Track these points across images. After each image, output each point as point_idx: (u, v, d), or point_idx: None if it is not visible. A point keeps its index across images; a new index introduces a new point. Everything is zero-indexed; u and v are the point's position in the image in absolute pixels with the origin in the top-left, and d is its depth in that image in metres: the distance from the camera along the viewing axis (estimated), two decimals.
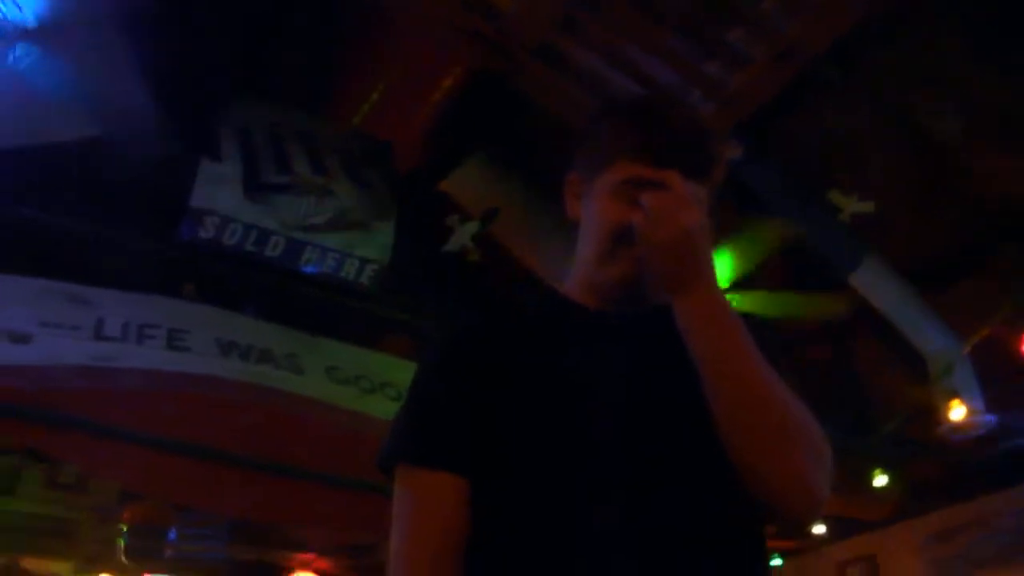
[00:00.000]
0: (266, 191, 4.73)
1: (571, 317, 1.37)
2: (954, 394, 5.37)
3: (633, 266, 1.30)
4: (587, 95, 3.97)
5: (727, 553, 1.22)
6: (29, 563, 6.11)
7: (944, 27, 4.34)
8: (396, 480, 1.29)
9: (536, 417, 1.25)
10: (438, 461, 1.26)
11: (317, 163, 5.00)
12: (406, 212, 5.17)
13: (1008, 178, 4.98)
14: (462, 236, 5.13)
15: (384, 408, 4.36)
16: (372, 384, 4.58)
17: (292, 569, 7.63)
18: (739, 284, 5.08)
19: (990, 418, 5.43)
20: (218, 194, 4.60)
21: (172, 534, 5.84)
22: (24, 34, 3.96)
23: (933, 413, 5.50)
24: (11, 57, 3.99)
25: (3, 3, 3.90)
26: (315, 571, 7.49)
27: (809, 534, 7.56)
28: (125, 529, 5.81)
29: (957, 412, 5.39)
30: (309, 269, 4.76)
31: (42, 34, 3.98)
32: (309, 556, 7.25)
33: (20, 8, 3.94)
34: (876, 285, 5.41)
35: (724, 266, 4.94)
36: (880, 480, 6.08)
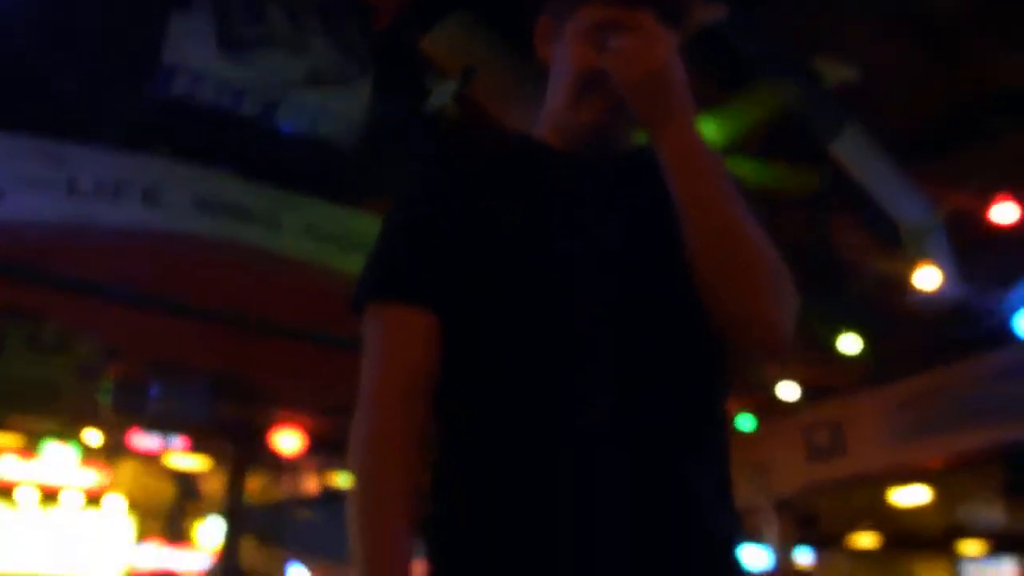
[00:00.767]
0: (240, 46, 4.61)
1: (543, 158, 1.37)
2: (926, 262, 5.45)
3: (603, 111, 1.31)
4: None
5: (695, 398, 1.26)
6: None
7: None
8: (366, 317, 1.30)
9: (510, 254, 1.26)
10: (406, 295, 1.27)
11: (293, 17, 4.86)
12: (384, 71, 5.07)
13: (994, 55, 4.93)
14: (441, 95, 5.05)
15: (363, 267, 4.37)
16: (350, 243, 4.58)
17: (274, 427, 7.80)
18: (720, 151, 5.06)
19: (957, 287, 5.52)
20: (191, 49, 4.48)
21: (154, 390, 5.93)
22: None
23: (904, 282, 5.59)
24: None
25: None
26: (298, 427, 7.66)
27: (778, 398, 7.76)
28: (109, 385, 5.88)
29: (927, 279, 5.49)
30: (286, 127, 4.69)
31: None
32: (291, 413, 7.39)
33: None
34: (856, 154, 5.41)
35: (707, 133, 4.90)
36: (847, 342, 6.21)
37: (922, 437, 7.50)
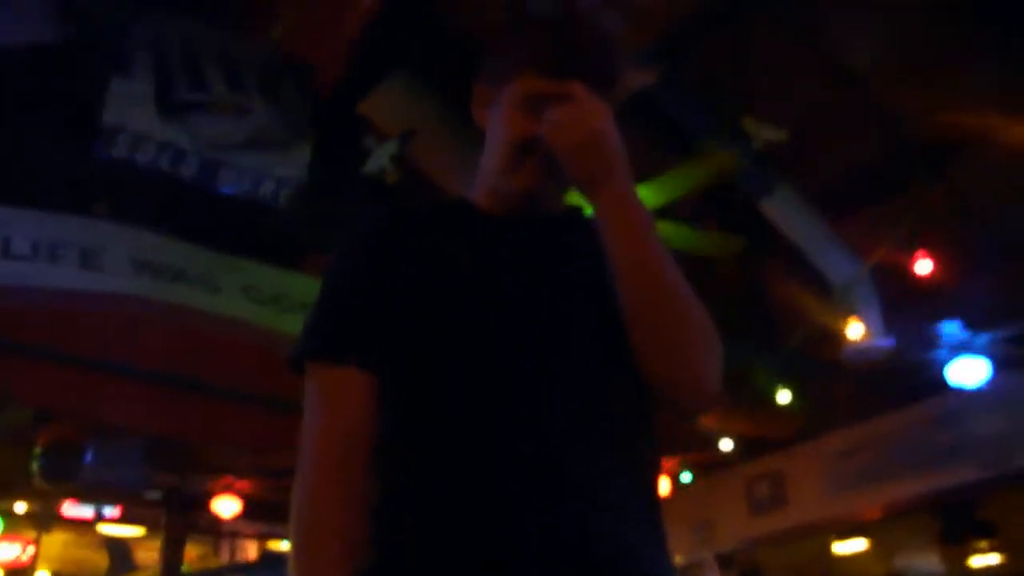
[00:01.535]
0: (180, 109, 4.63)
1: (476, 219, 1.42)
2: (855, 315, 5.60)
3: (537, 177, 1.36)
4: (499, 9, 3.96)
5: (626, 443, 1.29)
6: None
7: None
8: (305, 377, 1.32)
9: (444, 313, 1.29)
10: (344, 355, 1.29)
11: (233, 81, 4.89)
12: (324, 133, 5.11)
13: (915, 108, 5.14)
14: (380, 157, 5.11)
15: (302, 328, 4.36)
16: (290, 303, 4.58)
17: (212, 494, 7.64)
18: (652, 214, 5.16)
19: (887, 339, 5.68)
20: (130, 111, 4.49)
21: (88, 457, 5.79)
22: None
23: (836, 334, 5.72)
24: None
25: None
26: (236, 494, 7.51)
27: (718, 452, 7.84)
28: (39, 452, 5.73)
29: (856, 332, 5.63)
30: (225, 189, 4.70)
31: None
32: (229, 479, 7.25)
33: None
34: (786, 212, 5.57)
35: (643, 197, 4.99)
36: (784, 397, 6.32)
37: (860, 487, 7.61)
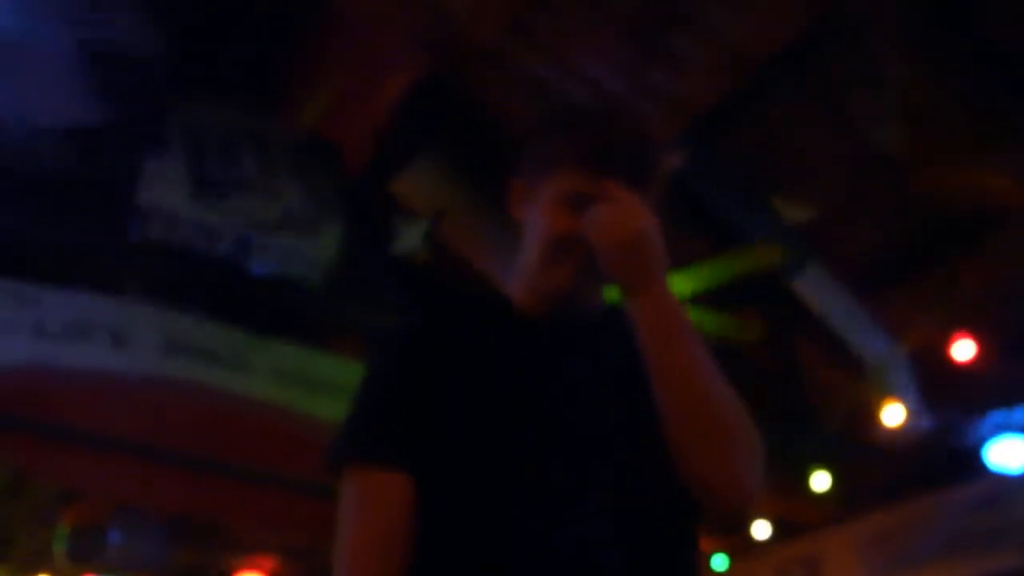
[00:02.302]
0: (214, 190, 4.69)
1: (515, 320, 1.40)
2: (891, 397, 5.50)
3: (574, 274, 1.35)
4: (534, 99, 4.02)
5: (666, 551, 1.27)
6: None
7: (883, 34, 4.45)
8: (344, 480, 1.30)
9: (482, 419, 1.27)
10: (385, 460, 1.28)
11: (265, 162, 4.97)
12: (355, 213, 5.16)
13: (945, 185, 5.11)
14: (411, 237, 5.14)
15: (331, 409, 4.35)
16: (320, 384, 4.57)
17: (236, 571, 7.56)
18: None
19: (925, 420, 5.57)
20: (165, 192, 4.56)
21: (114, 535, 5.74)
22: None
23: (871, 416, 5.62)
24: None
25: None
26: (259, 570, 7.42)
27: (751, 536, 7.67)
28: (65, 531, 5.70)
29: (893, 414, 5.53)
30: (257, 269, 4.73)
31: None
32: (254, 558, 7.18)
33: None
34: (817, 291, 5.53)
35: (678, 286, 4.95)
36: (819, 480, 6.19)
37: (897, 571, 7.40)
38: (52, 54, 4.46)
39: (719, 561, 8.34)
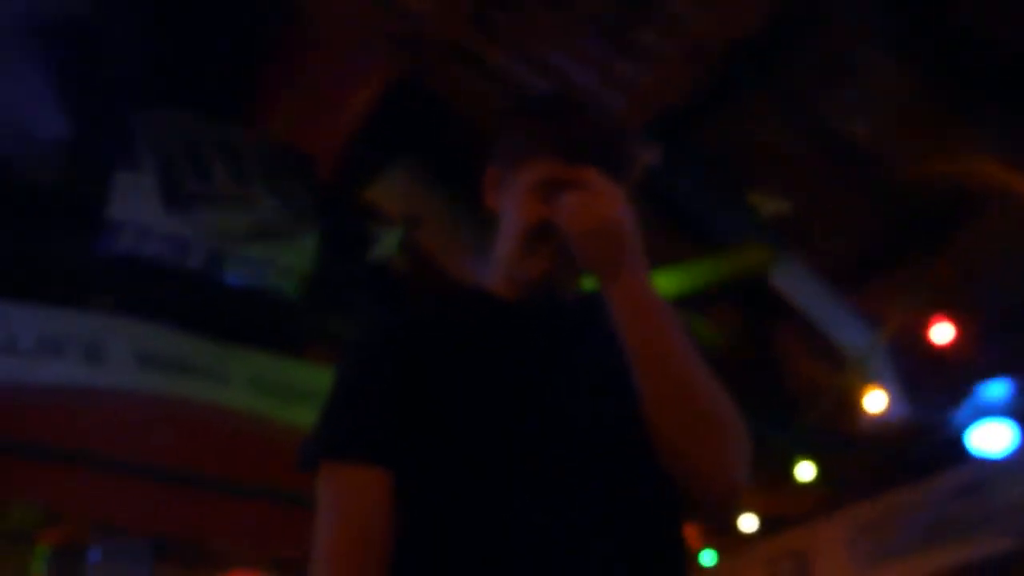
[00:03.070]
0: (185, 201, 4.66)
1: (493, 309, 1.39)
2: (871, 386, 5.51)
3: (551, 262, 1.34)
4: (502, 96, 4.01)
5: (653, 540, 1.25)
6: None
7: (852, 26, 4.47)
8: (319, 478, 1.28)
9: (461, 409, 1.26)
10: (360, 455, 1.26)
11: (237, 173, 4.94)
12: (329, 222, 5.13)
13: (917, 172, 5.14)
14: (386, 244, 5.12)
15: (310, 418, 4.29)
16: (298, 393, 4.54)
17: None
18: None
19: (907, 408, 5.58)
20: (136, 205, 4.53)
21: (95, 554, 5.67)
22: None
23: (854, 405, 5.64)
24: None
25: None
26: None
27: (739, 531, 7.67)
28: (45, 552, 5.62)
29: (875, 401, 5.54)
30: (231, 280, 4.70)
31: None
32: (238, 571, 7.11)
33: None
34: (795, 285, 5.54)
35: (662, 285, 4.94)
36: (804, 471, 6.20)
37: (885, 562, 7.41)
38: (20, 69, 4.42)
39: (708, 557, 8.34)
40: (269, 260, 4.79)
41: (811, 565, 8.02)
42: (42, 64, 4.49)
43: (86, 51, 4.62)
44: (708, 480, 1.24)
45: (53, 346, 4.11)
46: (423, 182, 5.34)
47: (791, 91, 4.92)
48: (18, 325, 4.12)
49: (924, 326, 5.51)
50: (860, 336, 5.60)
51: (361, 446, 1.26)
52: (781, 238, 5.42)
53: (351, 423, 1.30)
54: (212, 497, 4.39)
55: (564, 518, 1.19)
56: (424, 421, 1.25)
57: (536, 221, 1.33)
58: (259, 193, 4.95)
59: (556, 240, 1.30)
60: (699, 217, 5.33)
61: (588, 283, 1.39)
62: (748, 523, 7.58)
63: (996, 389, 5.75)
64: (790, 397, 6.06)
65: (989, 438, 6.05)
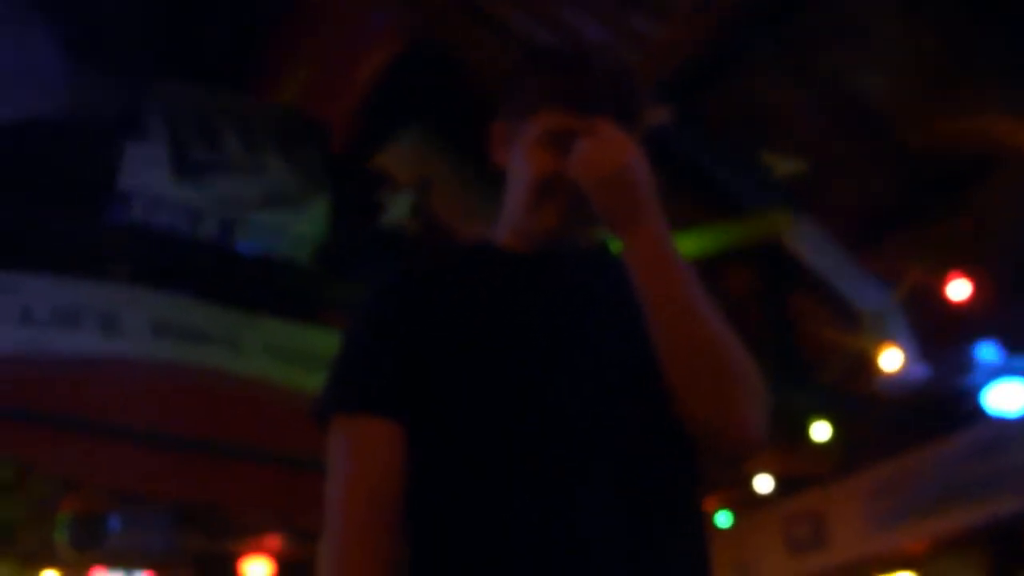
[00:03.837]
0: (196, 170, 4.66)
1: (502, 261, 1.37)
2: (887, 345, 5.49)
3: (563, 215, 1.32)
4: (513, 52, 3.98)
5: (669, 494, 1.24)
6: None
7: None
8: (330, 431, 1.28)
9: (473, 359, 1.25)
10: (370, 407, 1.25)
11: (248, 141, 4.93)
12: (341, 188, 5.12)
13: (932, 130, 5.08)
14: (398, 209, 5.11)
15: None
16: (313, 360, 4.54)
17: (242, 555, 7.56)
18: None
19: (923, 367, 5.56)
20: (146, 175, 4.53)
21: (114, 523, 5.73)
22: None
23: (869, 365, 5.62)
24: None
25: None
26: (268, 555, 7.42)
27: (754, 492, 7.68)
28: (65, 520, 5.68)
29: (891, 360, 5.52)
30: (244, 248, 4.70)
31: None
32: (259, 541, 7.18)
33: None
34: (809, 245, 5.50)
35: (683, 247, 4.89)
36: (820, 432, 6.19)
37: (902, 522, 7.42)
38: (28, 40, 4.41)
39: (723, 518, 8.37)
40: (281, 227, 4.79)
41: (827, 526, 8.04)
42: (50, 34, 4.47)
43: (92, 19, 4.61)
44: (727, 431, 1.23)
45: (68, 317, 4.12)
46: (434, 147, 5.31)
47: (803, 51, 4.87)
48: (33, 296, 4.13)
49: (940, 283, 5.47)
50: (875, 295, 5.57)
51: (369, 399, 1.26)
52: (795, 198, 5.38)
53: (359, 377, 1.29)
54: (229, 464, 4.41)
55: (573, 475, 1.18)
56: (431, 373, 1.24)
57: (545, 172, 1.31)
58: (270, 161, 4.94)
59: (566, 192, 1.29)
60: (712, 178, 5.29)
61: (602, 234, 1.37)
62: (764, 484, 7.59)
63: (990, 354, 5.72)
64: (805, 357, 6.04)
65: (1006, 397, 6.03)
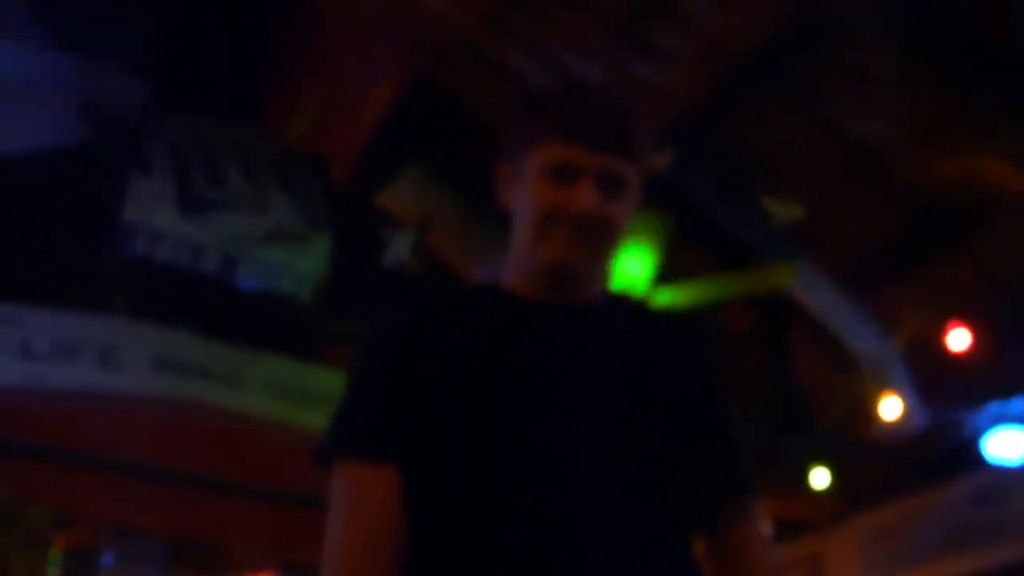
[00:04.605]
0: (200, 205, 4.68)
1: (507, 305, 1.37)
2: (887, 392, 5.48)
3: (566, 244, 1.31)
4: (517, 96, 4.01)
5: (659, 542, 1.25)
6: None
7: (868, 29, 4.45)
8: (332, 474, 1.29)
9: (469, 402, 1.25)
10: (366, 454, 1.26)
11: (251, 176, 4.95)
12: (343, 225, 5.14)
13: (932, 175, 5.11)
14: (399, 248, 5.12)
15: (325, 422, 4.30)
16: (313, 397, 4.53)
17: None
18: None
19: (923, 414, 5.54)
20: (150, 209, 4.54)
21: (107, 558, 5.68)
22: None
23: (869, 412, 5.60)
24: None
25: None
26: None
27: None
28: (58, 556, 5.63)
29: (890, 408, 5.51)
30: (246, 284, 4.71)
31: None
32: (253, 575, 7.11)
33: None
34: (810, 290, 5.51)
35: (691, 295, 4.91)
36: (819, 478, 6.17)
37: (900, 568, 7.36)
38: (36, 76, 4.45)
39: None
40: (283, 264, 4.80)
41: (826, 572, 7.97)
42: (58, 71, 4.51)
43: (98, 54, 4.65)
44: None
45: (68, 350, 4.12)
46: (436, 186, 5.34)
47: (805, 94, 4.90)
48: (33, 329, 4.12)
49: (940, 332, 5.47)
50: (875, 342, 5.57)
51: (365, 446, 1.27)
52: (796, 243, 5.39)
53: (357, 422, 1.30)
54: (226, 501, 4.39)
55: (567, 516, 1.19)
56: (427, 415, 1.25)
57: (548, 204, 1.31)
58: (273, 197, 4.96)
59: (569, 223, 1.29)
60: (713, 222, 5.31)
61: (615, 283, 1.37)
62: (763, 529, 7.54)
63: (1014, 397, 5.71)
64: (805, 403, 6.02)
65: (1005, 445, 6.01)
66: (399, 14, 4.06)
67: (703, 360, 1.38)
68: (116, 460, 4.19)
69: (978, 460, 6.22)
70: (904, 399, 5.60)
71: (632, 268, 4.32)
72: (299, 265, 4.86)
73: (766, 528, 7.43)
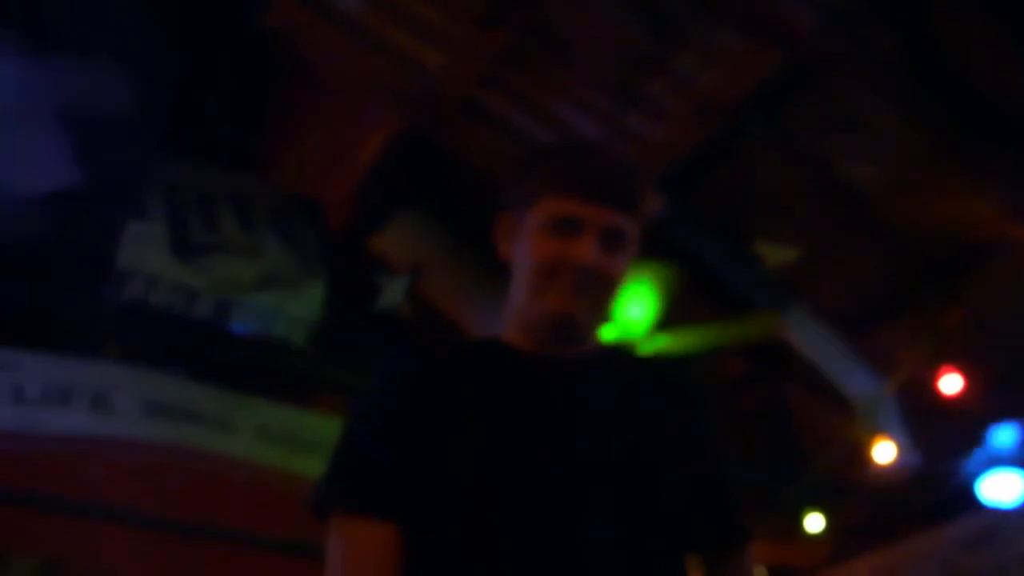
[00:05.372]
0: (194, 250, 4.69)
1: (507, 360, 1.37)
2: (880, 436, 5.47)
3: (565, 295, 1.32)
4: (512, 150, 4.06)
5: None
6: None
7: (858, 76, 4.51)
8: (330, 526, 1.28)
9: (471, 463, 1.26)
10: (364, 509, 1.26)
11: (246, 222, 4.98)
12: (337, 270, 5.15)
13: (924, 221, 5.15)
14: (393, 293, 5.12)
15: (318, 469, 4.27)
16: (305, 443, 4.51)
17: None
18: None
19: (916, 458, 5.53)
20: (144, 254, 4.56)
21: None
22: None
23: (862, 455, 5.59)
24: None
25: None
26: None
27: None
28: None
29: (884, 453, 5.50)
30: (239, 329, 4.71)
31: None
32: None
33: None
34: (802, 334, 5.52)
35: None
36: (813, 523, 6.14)
37: None
38: (31, 118, 4.48)
39: None
40: (277, 309, 4.80)
41: None
42: (53, 114, 4.54)
43: (93, 101, 4.68)
44: None
45: (60, 395, 4.10)
46: (430, 232, 5.35)
47: (797, 140, 4.95)
48: (25, 374, 4.11)
49: (933, 376, 5.48)
50: (868, 386, 5.57)
51: (364, 501, 1.26)
52: (788, 288, 5.41)
53: (355, 476, 1.29)
54: (218, 548, 4.35)
55: (576, 567, 1.20)
56: (436, 473, 1.25)
57: (549, 256, 1.33)
58: (267, 242, 4.98)
59: (570, 275, 1.30)
60: (704, 267, 5.33)
61: (608, 334, 1.39)
62: (757, 575, 7.49)
63: (1007, 438, 5.70)
64: (798, 448, 6.01)
65: (1000, 488, 5.99)
66: (398, 74, 4.11)
67: (698, 410, 1.39)
68: (107, 507, 4.16)
69: (973, 503, 6.20)
70: (897, 443, 5.60)
71: (633, 313, 4.32)
72: (292, 310, 4.86)
73: (762, 574, 7.41)
